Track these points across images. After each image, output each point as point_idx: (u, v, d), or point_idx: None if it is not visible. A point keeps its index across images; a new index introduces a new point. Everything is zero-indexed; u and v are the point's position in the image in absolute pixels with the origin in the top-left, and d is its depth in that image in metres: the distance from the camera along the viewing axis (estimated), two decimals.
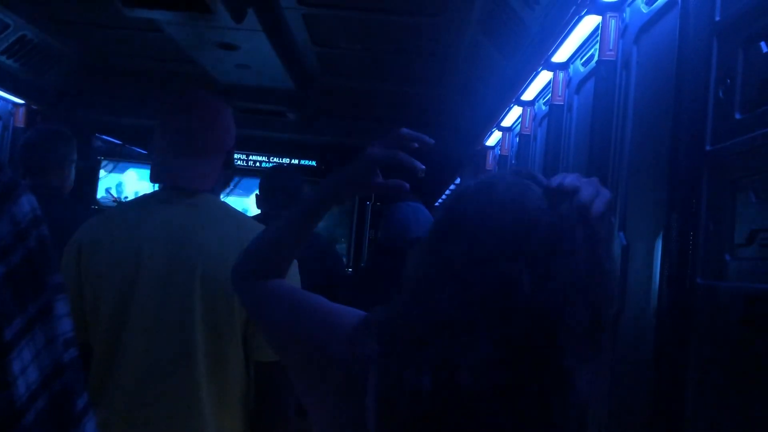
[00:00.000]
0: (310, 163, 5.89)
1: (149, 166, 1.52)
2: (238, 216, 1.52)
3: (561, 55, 2.42)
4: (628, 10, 1.89)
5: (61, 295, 0.70)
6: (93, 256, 1.37)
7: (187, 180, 1.43)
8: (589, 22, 2.08)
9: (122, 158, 5.54)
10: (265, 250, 0.95)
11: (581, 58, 2.35)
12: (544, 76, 2.70)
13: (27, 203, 0.68)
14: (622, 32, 1.92)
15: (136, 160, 5.40)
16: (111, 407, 1.34)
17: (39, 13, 3.39)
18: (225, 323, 1.38)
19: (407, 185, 0.86)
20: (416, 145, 0.86)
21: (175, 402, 1.35)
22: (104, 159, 5.31)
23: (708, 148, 1.37)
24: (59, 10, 3.33)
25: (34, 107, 4.11)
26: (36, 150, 2.35)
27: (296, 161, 5.92)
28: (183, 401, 1.35)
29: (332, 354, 0.79)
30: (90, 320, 1.38)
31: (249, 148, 5.75)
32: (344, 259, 4.96)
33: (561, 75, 2.53)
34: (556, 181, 0.73)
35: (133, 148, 5.68)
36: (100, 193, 5.29)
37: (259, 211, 2.63)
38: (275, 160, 5.83)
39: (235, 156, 5.49)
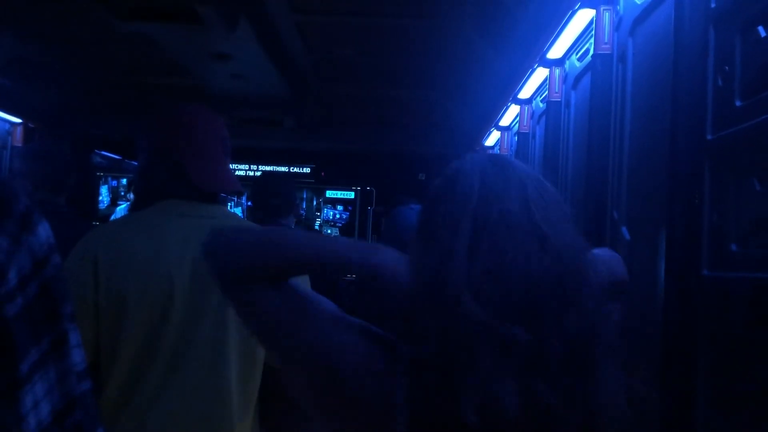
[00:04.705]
0: (306, 169, 5.90)
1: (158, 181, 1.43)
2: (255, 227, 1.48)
3: (556, 51, 2.40)
4: (621, 2, 1.87)
5: (74, 324, 0.69)
6: (116, 274, 1.29)
7: (230, 183, 1.41)
8: (583, 16, 2.06)
9: (122, 173, 5.54)
10: (266, 261, 0.79)
11: (577, 53, 2.33)
12: (540, 73, 2.68)
13: (43, 232, 0.67)
14: (617, 25, 1.90)
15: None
16: (138, 423, 1.28)
17: (33, 31, 3.39)
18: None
19: None
20: None
21: (209, 418, 1.31)
22: (103, 174, 5.31)
23: (709, 137, 1.35)
24: (53, 28, 3.33)
25: (31, 125, 4.12)
26: (47, 165, 2.33)
27: (297, 169, 5.92)
28: (215, 417, 1.31)
29: (347, 380, 0.74)
30: (106, 339, 1.30)
31: (250, 159, 5.75)
32: None
33: (557, 71, 2.51)
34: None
35: (133, 162, 5.68)
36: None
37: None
38: (279, 169, 5.83)
39: (240, 167, 5.41)
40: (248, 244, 0.80)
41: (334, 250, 0.77)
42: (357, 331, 0.77)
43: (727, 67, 1.30)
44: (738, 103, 1.26)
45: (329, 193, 5.88)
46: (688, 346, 1.33)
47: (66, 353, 0.66)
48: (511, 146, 3.59)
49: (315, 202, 5.85)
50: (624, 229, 1.74)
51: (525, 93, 3.00)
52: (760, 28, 1.20)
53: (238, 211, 5.62)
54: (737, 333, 1.20)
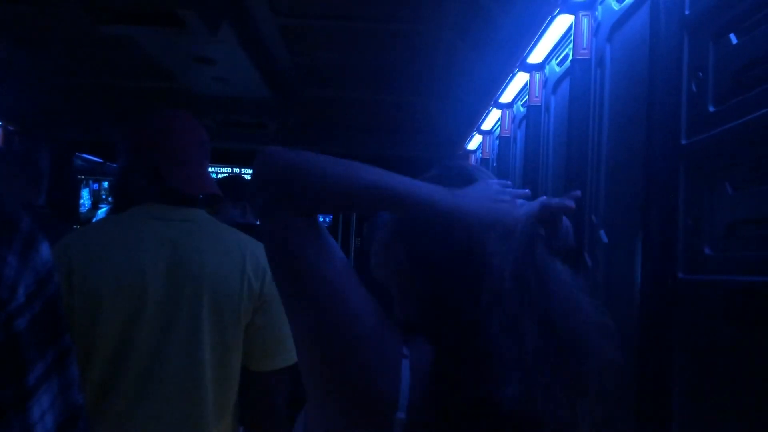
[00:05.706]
0: None
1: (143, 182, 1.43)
2: (233, 231, 1.48)
3: (536, 56, 2.42)
4: (600, 8, 1.90)
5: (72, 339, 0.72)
6: (88, 277, 1.29)
7: (208, 186, 1.42)
8: (562, 22, 2.09)
9: (103, 176, 5.50)
10: (325, 191, 0.76)
11: (556, 58, 2.36)
12: (521, 78, 2.71)
13: (45, 250, 0.70)
14: (595, 30, 1.93)
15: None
16: (110, 427, 1.29)
17: (12, 33, 3.35)
18: (232, 339, 1.35)
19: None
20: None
21: (184, 421, 1.31)
22: (85, 177, 5.27)
23: (683, 142, 1.37)
24: (33, 30, 3.30)
25: (10, 128, 4.07)
26: (25, 166, 2.31)
27: None
28: (191, 420, 1.32)
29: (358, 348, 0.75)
30: (80, 343, 1.29)
31: (233, 161, 5.72)
32: None
33: (537, 76, 2.53)
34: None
35: (114, 165, 5.64)
36: None
37: None
38: None
39: (223, 170, 5.43)
40: (315, 174, 0.75)
41: (416, 192, 0.79)
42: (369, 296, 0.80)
43: (701, 74, 1.32)
44: (711, 109, 1.28)
45: None
46: (664, 346, 1.35)
47: (67, 367, 0.69)
48: (493, 150, 3.61)
49: None
50: (602, 233, 1.76)
51: (506, 97, 3.03)
52: (732, 36, 1.22)
53: None
54: (711, 333, 1.22)
